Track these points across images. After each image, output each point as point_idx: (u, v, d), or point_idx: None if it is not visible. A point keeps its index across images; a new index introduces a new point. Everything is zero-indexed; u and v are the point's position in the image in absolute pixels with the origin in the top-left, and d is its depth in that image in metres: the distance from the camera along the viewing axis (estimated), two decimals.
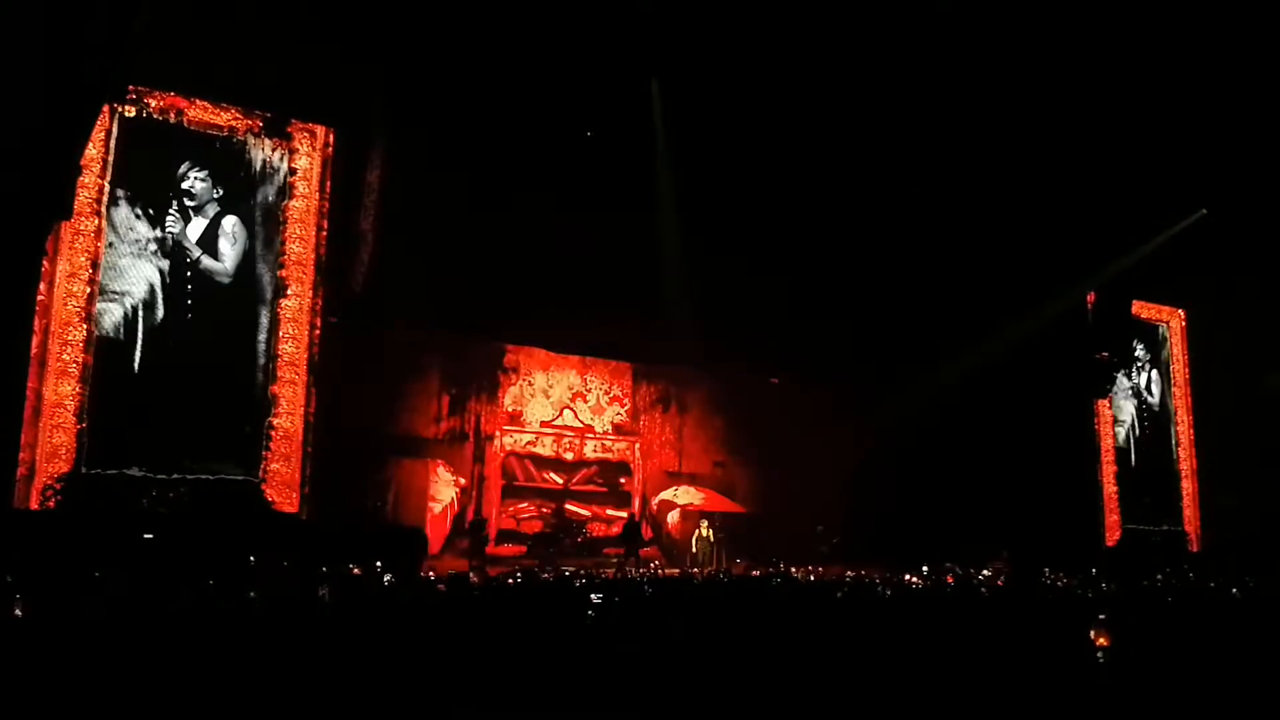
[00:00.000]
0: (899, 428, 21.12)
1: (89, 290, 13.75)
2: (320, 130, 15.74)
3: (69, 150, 11.59)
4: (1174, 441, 24.24)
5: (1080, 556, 18.43)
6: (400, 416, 18.31)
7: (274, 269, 15.25)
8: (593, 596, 9.23)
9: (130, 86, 13.96)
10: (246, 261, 15.09)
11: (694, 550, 19.85)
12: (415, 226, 16.06)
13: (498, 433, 19.68)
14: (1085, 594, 12.05)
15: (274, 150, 15.44)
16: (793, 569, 16.59)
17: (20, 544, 11.41)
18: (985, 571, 16.60)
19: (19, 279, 11.56)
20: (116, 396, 13.77)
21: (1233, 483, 22.67)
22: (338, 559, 12.87)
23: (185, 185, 14.65)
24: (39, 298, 12.97)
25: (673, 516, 21.32)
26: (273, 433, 14.87)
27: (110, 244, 14.00)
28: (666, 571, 16.81)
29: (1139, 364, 23.96)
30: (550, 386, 20.57)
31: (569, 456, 20.53)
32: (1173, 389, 24.50)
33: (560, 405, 20.54)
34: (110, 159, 13.98)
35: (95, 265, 13.81)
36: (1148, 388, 24.10)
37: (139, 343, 14.13)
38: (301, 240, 15.46)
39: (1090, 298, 22.46)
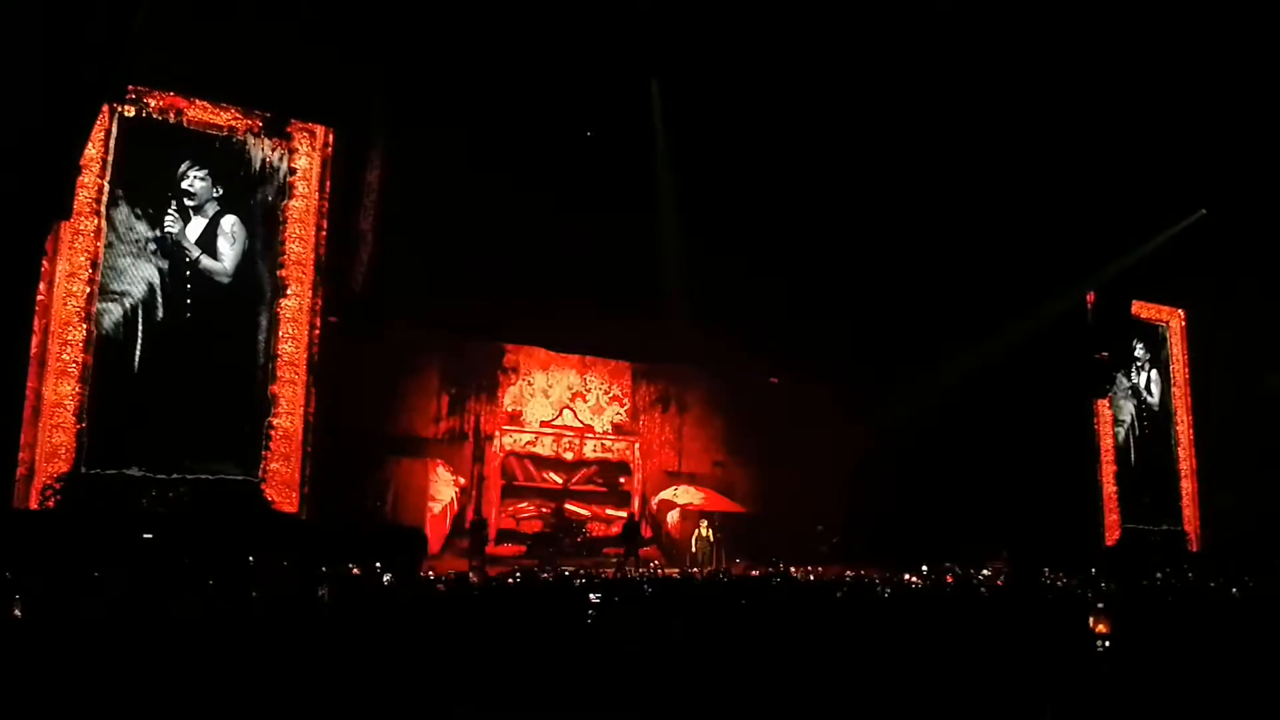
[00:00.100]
0: (899, 428, 21.11)
1: (89, 290, 13.74)
2: (320, 130, 15.73)
3: (69, 150, 11.58)
4: (1174, 441, 24.24)
5: (1080, 556, 18.44)
6: (400, 416, 18.30)
7: (274, 269, 15.24)
8: (591, 596, 9.23)
9: (130, 86, 13.95)
10: (246, 261, 15.08)
11: (694, 550, 19.85)
12: (415, 226, 16.06)
13: (497, 433, 19.67)
14: (1085, 593, 12.04)
15: (274, 150, 15.43)
16: (792, 569, 16.59)
17: (20, 544, 11.40)
18: (985, 571, 16.61)
19: (19, 279, 11.56)
20: (116, 396, 13.76)
21: (1232, 483, 22.67)
22: (337, 559, 12.87)
23: (185, 185, 14.64)
24: (39, 297, 12.96)
25: (672, 516, 21.32)
26: (272, 433, 14.87)
27: (110, 244, 13.99)
28: (666, 571, 16.81)
29: (1139, 364, 23.96)
30: (550, 386, 20.57)
31: (569, 456, 20.53)
32: (1172, 389, 24.50)
33: (560, 405, 20.53)
34: (110, 159, 13.98)
35: (95, 265, 13.81)
36: (1147, 387, 24.10)
37: (138, 342, 14.13)
38: (301, 240, 15.45)
39: (1090, 298, 22.46)
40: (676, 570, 17.55)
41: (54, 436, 13.33)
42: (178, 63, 14.09)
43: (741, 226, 18.60)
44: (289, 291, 15.28)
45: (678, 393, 21.94)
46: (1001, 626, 8.50)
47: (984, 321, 20.55)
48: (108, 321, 13.94)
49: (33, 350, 12.95)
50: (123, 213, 14.14)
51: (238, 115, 15.08)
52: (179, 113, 14.60)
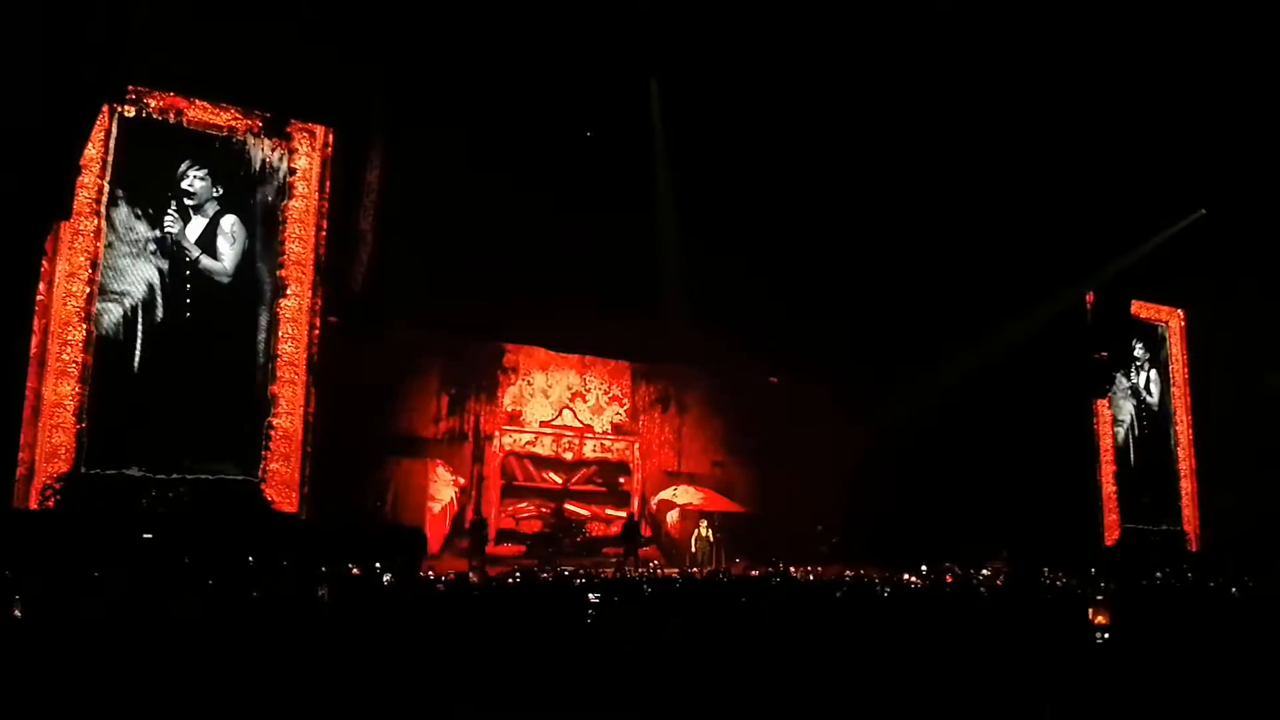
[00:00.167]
0: (899, 427, 21.11)
1: (88, 290, 13.74)
2: (319, 130, 15.73)
3: (68, 150, 11.59)
4: (1173, 441, 24.25)
5: (1079, 556, 18.46)
6: (400, 416, 18.30)
7: (273, 269, 15.25)
8: (591, 596, 9.23)
9: (130, 86, 13.95)
10: (246, 261, 15.08)
11: (693, 550, 19.85)
12: (415, 226, 16.05)
13: (497, 432, 19.67)
14: (1084, 593, 12.05)
15: (273, 150, 15.43)
16: (792, 569, 16.60)
17: (20, 544, 11.41)
18: (985, 571, 16.62)
19: (18, 279, 11.57)
20: (116, 396, 13.76)
21: (1231, 483, 22.68)
22: (337, 559, 12.88)
23: (185, 185, 14.64)
24: (38, 297, 12.97)
25: (672, 516, 21.33)
26: (272, 433, 14.87)
27: (110, 244, 13.99)
28: (665, 571, 16.82)
29: (1138, 364, 23.96)
30: (550, 386, 20.57)
31: (568, 456, 20.53)
32: (1172, 389, 24.50)
33: (560, 405, 20.53)
34: (110, 159, 13.97)
35: (95, 265, 13.81)
36: (1147, 387, 24.11)
37: (138, 343, 14.13)
38: (301, 240, 15.46)
39: (1090, 298, 22.46)
40: (676, 570, 17.56)
41: (54, 436, 13.33)
42: (178, 63, 14.09)
43: (741, 226, 18.60)
44: (289, 291, 15.28)
45: (677, 393, 21.94)
46: (1001, 626, 8.50)
47: (984, 321, 20.55)
48: (107, 321, 13.94)
49: (32, 350, 12.95)
50: (122, 213, 14.14)
51: (237, 115, 15.08)
52: (179, 113, 14.60)
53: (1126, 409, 23.48)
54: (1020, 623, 8.70)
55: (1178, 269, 21.87)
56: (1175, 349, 24.67)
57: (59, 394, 13.39)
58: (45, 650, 6.14)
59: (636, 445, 21.26)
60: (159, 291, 14.32)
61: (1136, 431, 23.52)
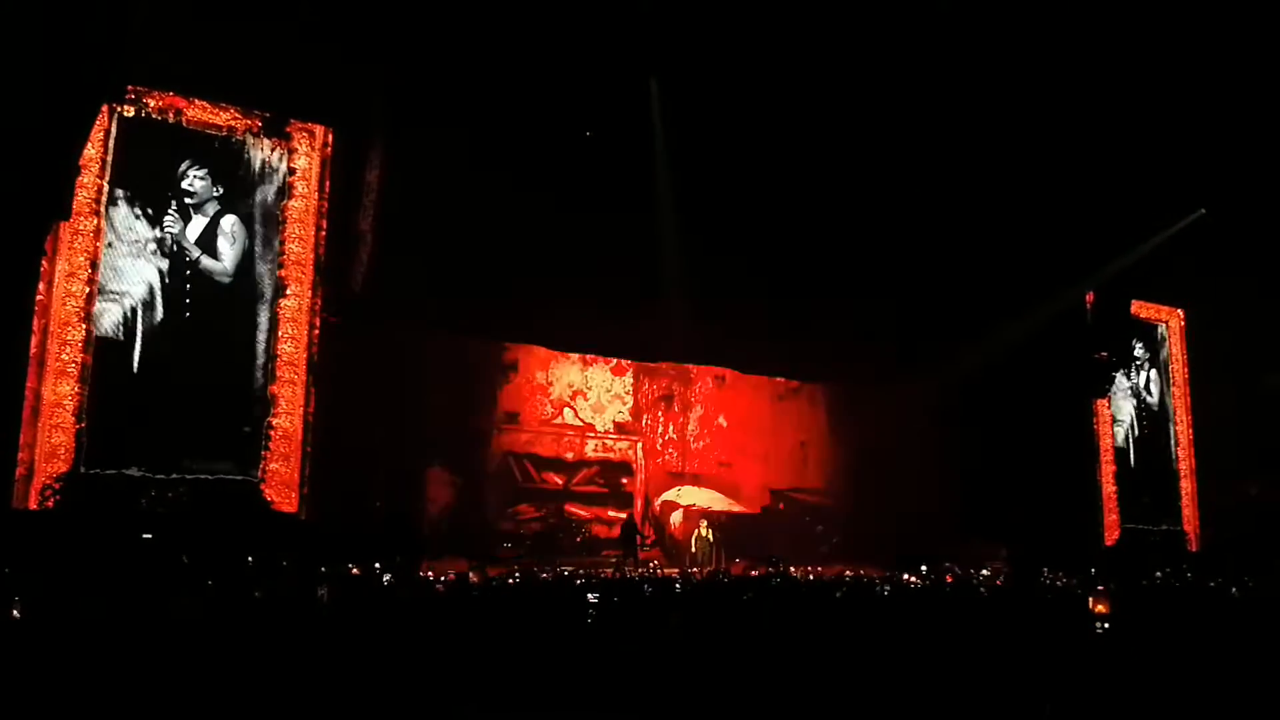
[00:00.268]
0: (899, 427, 21.13)
1: (88, 290, 13.72)
2: (319, 130, 15.72)
3: (68, 150, 11.59)
4: (1173, 441, 24.24)
5: (1079, 556, 18.47)
6: (399, 416, 18.29)
7: (273, 269, 15.24)
8: (589, 596, 9.24)
9: (130, 86, 13.93)
10: (246, 261, 15.07)
11: (693, 550, 19.85)
12: (415, 226, 16.05)
13: (496, 432, 19.67)
14: (1084, 593, 12.05)
15: (273, 150, 15.43)
16: (792, 569, 16.61)
17: (20, 544, 11.41)
18: (984, 571, 16.64)
19: (18, 279, 11.57)
20: (115, 396, 13.74)
21: (1231, 482, 22.69)
22: (337, 559, 12.88)
23: (185, 184, 14.62)
24: (38, 298, 12.96)
25: (676, 517, 21.30)
26: (272, 433, 14.85)
27: (109, 244, 13.97)
28: (665, 571, 16.82)
29: (1138, 363, 23.96)
30: (550, 385, 20.56)
31: (569, 456, 20.51)
32: (1171, 388, 24.50)
33: (560, 404, 20.51)
34: (109, 159, 13.95)
35: (94, 265, 13.78)
36: (1146, 387, 24.10)
37: (138, 343, 14.11)
38: (300, 240, 15.45)
39: (1090, 298, 22.47)
40: (676, 570, 17.56)
41: (53, 437, 13.31)
42: (177, 63, 14.06)
43: (742, 226, 18.59)
44: (289, 291, 15.26)
45: (681, 391, 21.93)
46: (1001, 626, 8.50)
47: (984, 321, 20.55)
48: (107, 322, 13.93)
49: (32, 350, 12.93)
50: (122, 213, 14.13)
51: (237, 115, 15.07)
52: (178, 113, 14.59)
53: (1126, 409, 23.47)
54: (1020, 623, 8.71)
55: (1177, 269, 21.88)
56: (1175, 349, 24.66)
57: (58, 394, 13.38)
58: (45, 650, 6.14)
59: (639, 445, 21.23)
60: (159, 291, 14.31)
61: (1136, 431, 23.52)
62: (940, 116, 17.38)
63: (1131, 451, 23.28)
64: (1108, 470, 22.52)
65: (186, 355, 14.28)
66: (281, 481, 14.80)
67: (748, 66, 16.35)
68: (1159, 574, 16.47)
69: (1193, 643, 7.44)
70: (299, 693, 5.56)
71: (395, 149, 16.15)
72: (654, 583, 12.84)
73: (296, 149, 15.56)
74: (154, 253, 14.33)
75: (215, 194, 14.86)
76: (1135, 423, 23.57)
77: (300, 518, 14.83)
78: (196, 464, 14.14)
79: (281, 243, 15.33)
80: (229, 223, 14.95)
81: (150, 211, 14.36)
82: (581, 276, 17.31)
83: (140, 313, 14.16)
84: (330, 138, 15.76)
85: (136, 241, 14.21)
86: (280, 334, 15.13)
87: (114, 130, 14.01)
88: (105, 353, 13.81)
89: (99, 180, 13.83)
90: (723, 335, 19.18)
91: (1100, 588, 6.33)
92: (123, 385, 13.83)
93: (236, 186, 15.08)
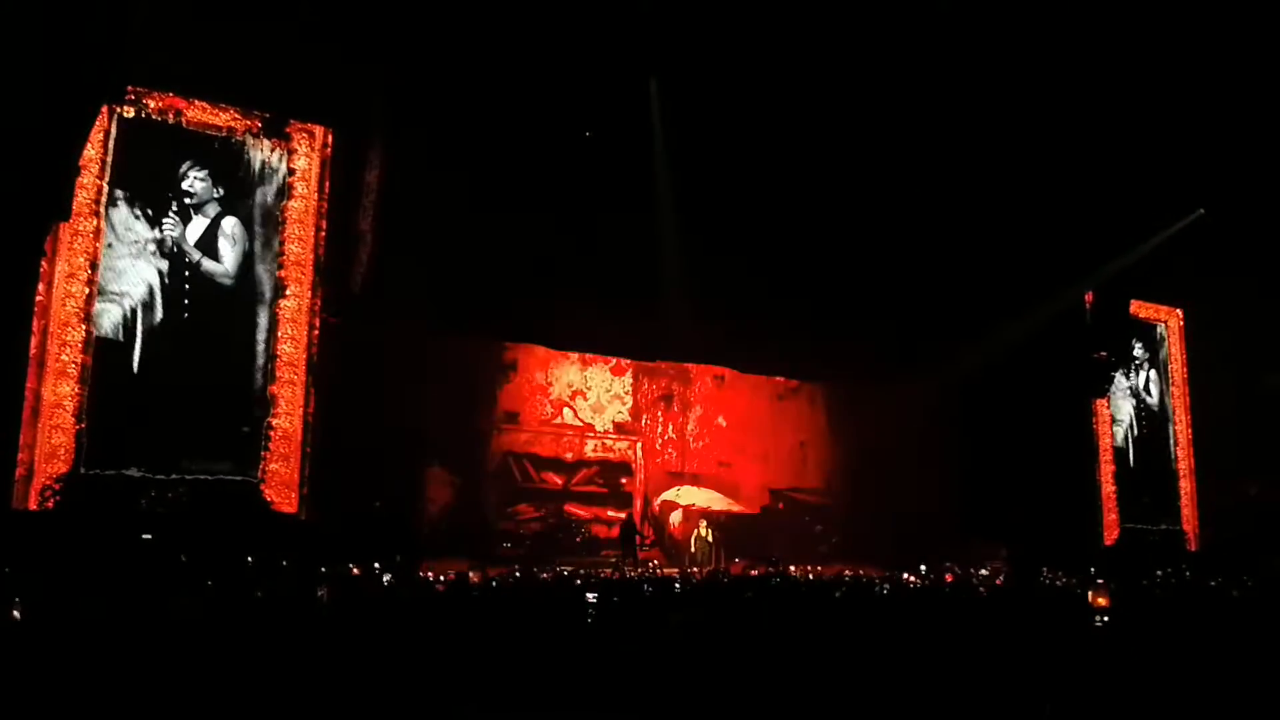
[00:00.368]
0: (899, 427, 21.14)
1: (88, 291, 13.72)
2: (319, 130, 15.73)
3: (68, 151, 11.60)
4: (1172, 441, 24.26)
5: (1079, 555, 18.48)
6: (400, 416, 18.28)
7: (273, 270, 15.24)
8: (589, 596, 9.24)
9: (130, 87, 13.92)
10: (245, 262, 15.07)
11: (693, 550, 19.86)
12: (415, 226, 16.05)
13: (496, 432, 19.67)
14: (1084, 593, 12.05)
15: (272, 151, 15.43)
16: (791, 568, 16.62)
17: (20, 544, 11.41)
18: (984, 571, 16.65)
19: (18, 280, 11.57)
20: (115, 397, 13.74)
21: (1231, 482, 22.71)
22: (337, 559, 12.88)
23: (185, 185, 14.62)
24: (37, 298, 12.96)
25: (675, 517, 21.31)
26: (271, 433, 14.86)
27: (109, 245, 13.97)
28: (664, 571, 16.83)
29: (1137, 363, 23.97)
30: (550, 385, 20.56)
31: (569, 456, 20.51)
32: (1171, 388, 24.51)
33: (560, 404, 20.51)
34: (109, 159, 13.95)
35: (94, 266, 13.78)
36: (1146, 387, 24.12)
37: (138, 343, 14.11)
38: (300, 241, 15.45)
39: (1088, 297, 22.48)
40: (676, 570, 17.57)
41: (53, 437, 13.32)
42: (177, 63, 14.06)
43: (741, 226, 18.59)
44: (288, 292, 15.27)
45: (680, 391, 21.93)
46: (1000, 626, 8.51)
47: (983, 321, 20.56)
48: (107, 322, 13.93)
49: (32, 351, 12.93)
50: (122, 213, 14.13)
51: (237, 116, 15.07)
52: (178, 113, 14.59)
53: (1126, 409, 23.48)
54: (1020, 622, 8.71)
55: (1177, 269, 21.89)
56: (1174, 349, 24.68)
57: (58, 394, 13.38)
58: (45, 650, 6.14)
59: (639, 445, 21.24)
60: (158, 292, 14.31)
61: (1136, 431, 23.54)
62: (940, 117, 17.39)
63: (1131, 451, 23.30)
64: (1107, 470, 22.54)
65: (186, 356, 14.28)
66: (281, 482, 14.80)
67: (747, 67, 16.36)
68: (1158, 574, 16.48)
69: (1192, 642, 7.45)
70: (299, 693, 5.57)
71: (395, 149, 16.15)
72: (653, 583, 12.84)
73: (296, 149, 15.56)
74: (154, 253, 14.33)
75: (215, 195, 14.86)
76: (1134, 422, 23.59)
77: (300, 518, 14.84)
78: (196, 464, 14.15)
79: (281, 243, 15.34)
80: (230, 224, 14.95)
81: (150, 212, 14.36)
82: (581, 276, 17.32)
83: (140, 313, 14.16)
84: (330, 138, 15.77)
85: (136, 242, 14.21)
86: (280, 334, 15.13)
87: (114, 131, 14.01)
88: (105, 353, 13.81)
89: (99, 181, 13.83)
90: (722, 335, 19.18)
91: (1100, 581, 6.32)
92: (122, 386, 13.84)
93: (236, 187, 15.08)
